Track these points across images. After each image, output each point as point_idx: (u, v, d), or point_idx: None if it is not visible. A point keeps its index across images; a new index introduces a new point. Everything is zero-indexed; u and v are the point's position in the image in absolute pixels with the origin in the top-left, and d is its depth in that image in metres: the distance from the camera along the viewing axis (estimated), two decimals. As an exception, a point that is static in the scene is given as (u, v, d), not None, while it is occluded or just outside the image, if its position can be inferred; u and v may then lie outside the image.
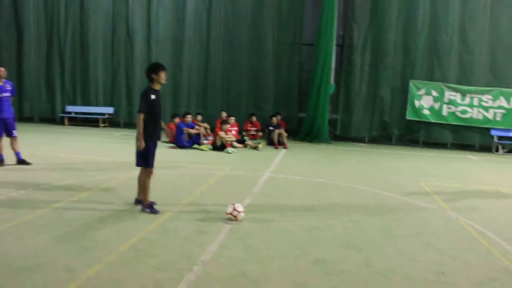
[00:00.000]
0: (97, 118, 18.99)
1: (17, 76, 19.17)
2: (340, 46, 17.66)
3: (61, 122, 19.23)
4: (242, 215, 6.24)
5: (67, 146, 13.23)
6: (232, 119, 15.32)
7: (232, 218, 6.21)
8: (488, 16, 16.39)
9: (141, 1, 18.40)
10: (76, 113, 19.32)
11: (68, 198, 7.12)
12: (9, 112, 9.65)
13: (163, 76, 6.55)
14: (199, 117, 15.47)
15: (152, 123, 6.53)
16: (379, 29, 16.99)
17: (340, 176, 10.24)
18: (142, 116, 6.41)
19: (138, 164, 6.67)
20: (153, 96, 6.46)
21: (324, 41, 16.39)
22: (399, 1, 16.75)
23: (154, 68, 6.55)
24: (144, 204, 6.60)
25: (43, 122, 19.44)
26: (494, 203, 8.43)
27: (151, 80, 6.57)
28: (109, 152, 12.33)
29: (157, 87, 6.60)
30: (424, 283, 4.60)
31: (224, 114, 15.80)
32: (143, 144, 6.44)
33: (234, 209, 6.22)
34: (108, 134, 16.43)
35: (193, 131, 13.86)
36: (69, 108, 19.33)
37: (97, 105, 19.18)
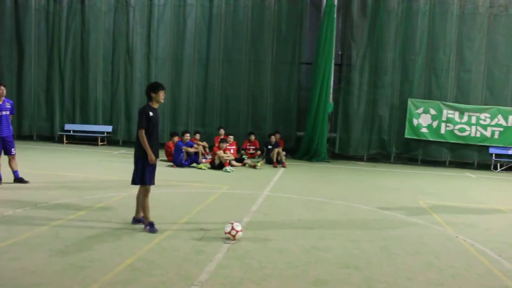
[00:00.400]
0: (95, 136, 18.98)
1: (17, 94, 19.23)
2: (339, 65, 17.75)
3: (59, 140, 19.21)
4: (240, 234, 6.21)
5: (65, 164, 13.20)
6: (231, 138, 15.33)
7: (231, 237, 6.17)
8: (485, 35, 16.53)
9: (142, 19, 18.54)
10: (74, 131, 19.31)
11: (65, 216, 7.07)
12: (8, 130, 9.66)
13: (161, 95, 6.64)
14: (198, 136, 15.48)
15: (150, 141, 6.54)
16: (377, 48, 17.10)
17: (339, 195, 10.21)
18: (143, 131, 6.47)
19: (134, 182, 6.67)
20: (151, 113, 6.52)
21: (322, 60, 16.48)
22: (397, 20, 16.90)
23: (154, 87, 6.65)
24: (145, 222, 6.57)
25: (41, 140, 19.41)
26: (494, 221, 8.39)
27: (150, 99, 6.65)
28: (107, 170, 12.30)
29: (155, 105, 6.67)
30: (424, 303, 4.55)
31: (222, 132, 15.83)
32: (153, 157, 6.51)
33: (232, 228, 6.18)
34: (106, 153, 16.41)
35: (191, 149, 13.85)
36: (68, 126, 19.33)
37: (96, 123, 19.19)
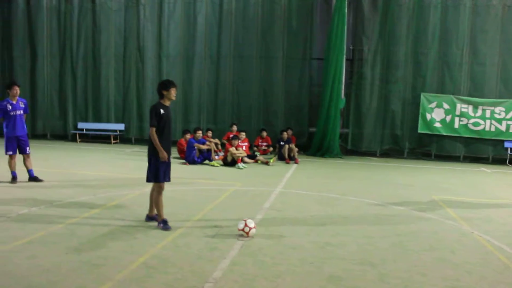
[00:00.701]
0: (108, 134, 19.10)
1: (31, 93, 19.47)
2: (350, 60, 17.64)
3: (73, 139, 19.37)
4: (253, 231, 6.20)
5: (79, 162, 13.31)
6: (243, 134, 15.33)
7: (244, 234, 6.17)
8: (498, 27, 16.28)
9: (152, 17, 18.59)
10: (87, 129, 19.47)
11: (80, 214, 7.13)
12: (23, 129, 9.77)
13: (173, 93, 6.65)
14: (210, 133, 15.49)
15: (162, 138, 6.57)
16: (389, 42, 16.95)
17: (352, 191, 10.16)
18: (154, 129, 6.50)
19: (148, 180, 6.70)
20: (162, 111, 6.54)
21: (334, 55, 16.38)
22: (408, 13, 16.73)
23: (165, 85, 6.66)
24: (159, 219, 6.60)
25: (55, 139, 19.59)
26: (510, 216, 8.28)
27: (161, 96, 6.67)
28: (121, 168, 12.37)
29: (166, 103, 6.69)
30: (440, 299, 4.51)
31: (234, 128, 15.84)
32: (165, 154, 6.52)
33: (246, 225, 6.18)
34: (119, 151, 16.50)
35: (204, 146, 13.87)
36: (81, 125, 19.49)
37: (108, 121, 19.31)
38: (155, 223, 6.69)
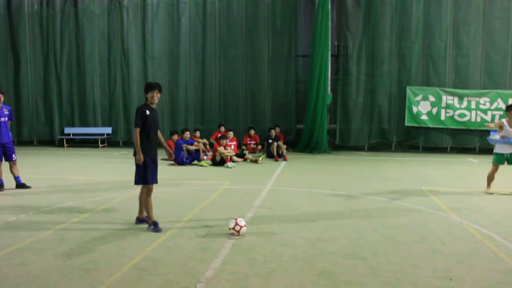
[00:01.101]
0: (96, 138, 18.97)
1: (15, 100, 19.29)
2: (336, 56, 17.72)
3: (60, 144, 19.21)
4: (244, 229, 6.20)
5: (67, 168, 13.20)
6: (231, 134, 15.32)
7: (235, 233, 6.16)
8: (481, 19, 16.45)
9: (136, 20, 18.50)
10: (74, 134, 19.32)
11: (69, 220, 7.07)
12: (8, 136, 9.66)
13: (153, 96, 6.58)
14: (198, 133, 15.46)
15: (148, 140, 6.55)
16: (373, 37, 17.06)
17: (341, 186, 10.20)
18: (137, 130, 6.47)
19: (136, 182, 6.66)
20: (148, 112, 6.51)
21: (319, 52, 16.43)
22: (392, 8, 16.84)
23: (146, 87, 6.69)
24: (149, 221, 6.57)
25: (42, 145, 19.44)
26: (498, 205, 8.37)
27: (146, 98, 6.68)
28: (109, 172, 12.29)
29: (152, 105, 6.64)
30: (431, 290, 4.54)
31: (222, 129, 15.84)
32: (142, 157, 6.46)
33: (236, 224, 6.17)
34: (107, 154, 16.40)
35: (192, 147, 13.83)
36: (68, 130, 19.34)
37: (95, 125, 19.18)
38: (145, 225, 6.66)
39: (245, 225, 6.23)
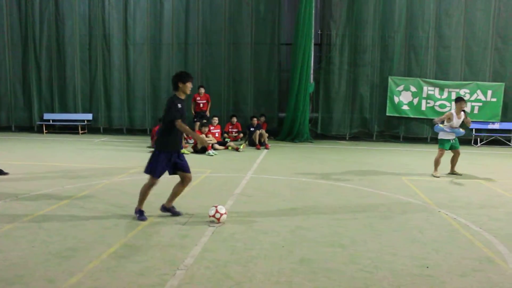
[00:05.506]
0: (76, 125, 18.70)
1: (-7, 85, 18.87)
2: (319, 45, 17.71)
3: (39, 130, 18.90)
4: (224, 217, 6.21)
5: (46, 154, 13.01)
6: (216, 119, 15.28)
7: (215, 220, 6.17)
8: (462, 11, 16.58)
9: (118, 4, 18.18)
10: (54, 120, 19.02)
11: (47, 207, 6.98)
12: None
13: (189, 86, 6.41)
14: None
15: (170, 133, 6.33)
16: (357, 26, 17.07)
17: (322, 174, 10.26)
18: (179, 121, 6.22)
19: (146, 171, 6.42)
20: (179, 105, 6.30)
21: (302, 40, 16.40)
22: (375, -2, 16.88)
23: (182, 77, 6.39)
24: (137, 208, 6.49)
25: (20, 131, 19.09)
26: (475, 194, 8.52)
27: (176, 88, 6.43)
28: (89, 159, 12.14)
29: (182, 96, 6.46)
30: (408, 277, 4.61)
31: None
32: (204, 140, 6.65)
33: (217, 211, 6.18)
34: (87, 141, 16.20)
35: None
36: (47, 116, 19.02)
37: (75, 111, 18.89)
38: (144, 214, 6.57)
39: (225, 213, 6.24)
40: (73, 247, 5.25)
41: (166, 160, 6.32)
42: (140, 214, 6.44)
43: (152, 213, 6.64)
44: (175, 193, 6.59)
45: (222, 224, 6.16)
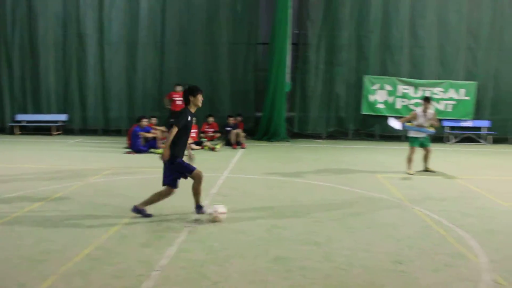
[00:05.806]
0: (49, 126, 18.37)
1: (-37, 85, 18.40)
2: (295, 44, 17.77)
3: (11, 131, 18.51)
4: (223, 216, 6.37)
5: (18, 156, 12.76)
6: (193, 119, 15.17)
7: (219, 217, 6.34)
8: (436, 12, 16.88)
9: (93, 2, 17.91)
10: (27, 121, 18.66)
11: (19, 210, 6.84)
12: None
13: (200, 99, 6.54)
14: (154, 120, 15.18)
15: (180, 142, 6.44)
16: (333, 26, 17.20)
17: (299, 173, 10.31)
18: (176, 130, 6.29)
19: (165, 183, 6.48)
20: (189, 118, 6.45)
21: (279, 39, 16.43)
22: (351, -2, 17.04)
23: (192, 91, 6.51)
24: (139, 207, 6.49)
25: (-8, 132, 18.69)
26: (448, 191, 8.67)
27: (188, 102, 6.52)
28: (63, 160, 11.94)
29: (193, 109, 6.57)
30: (382, 273, 4.68)
31: (178, 88, 15.51)
32: (167, 154, 6.31)
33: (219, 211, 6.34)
34: (61, 142, 15.93)
35: (149, 135, 13.66)
36: (20, 117, 18.64)
37: (49, 112, 18.56)
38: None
39: (224, 212, 6.40)
40: (46, 250, 5.17)
41: (179, 170, 6.50)
42: (137, 211, 6.48)
43: (127, 214, 6.57)
44: (195, 193, 6.66)
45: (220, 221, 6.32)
